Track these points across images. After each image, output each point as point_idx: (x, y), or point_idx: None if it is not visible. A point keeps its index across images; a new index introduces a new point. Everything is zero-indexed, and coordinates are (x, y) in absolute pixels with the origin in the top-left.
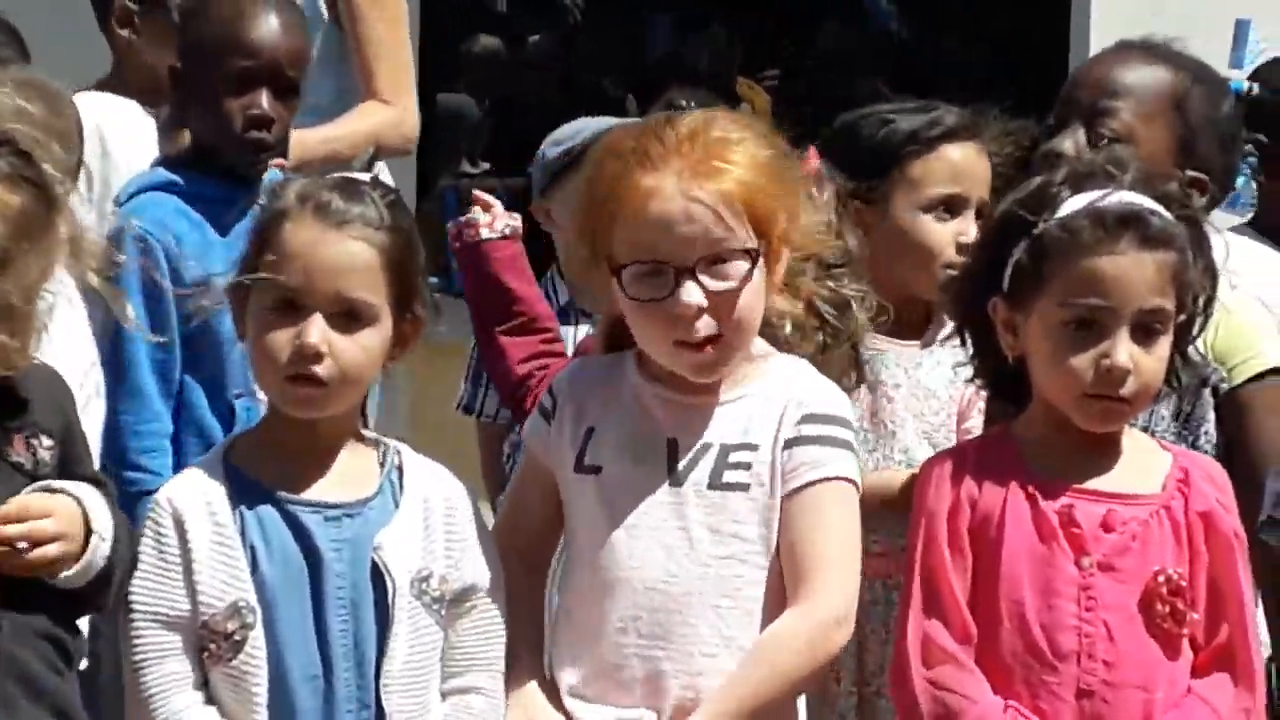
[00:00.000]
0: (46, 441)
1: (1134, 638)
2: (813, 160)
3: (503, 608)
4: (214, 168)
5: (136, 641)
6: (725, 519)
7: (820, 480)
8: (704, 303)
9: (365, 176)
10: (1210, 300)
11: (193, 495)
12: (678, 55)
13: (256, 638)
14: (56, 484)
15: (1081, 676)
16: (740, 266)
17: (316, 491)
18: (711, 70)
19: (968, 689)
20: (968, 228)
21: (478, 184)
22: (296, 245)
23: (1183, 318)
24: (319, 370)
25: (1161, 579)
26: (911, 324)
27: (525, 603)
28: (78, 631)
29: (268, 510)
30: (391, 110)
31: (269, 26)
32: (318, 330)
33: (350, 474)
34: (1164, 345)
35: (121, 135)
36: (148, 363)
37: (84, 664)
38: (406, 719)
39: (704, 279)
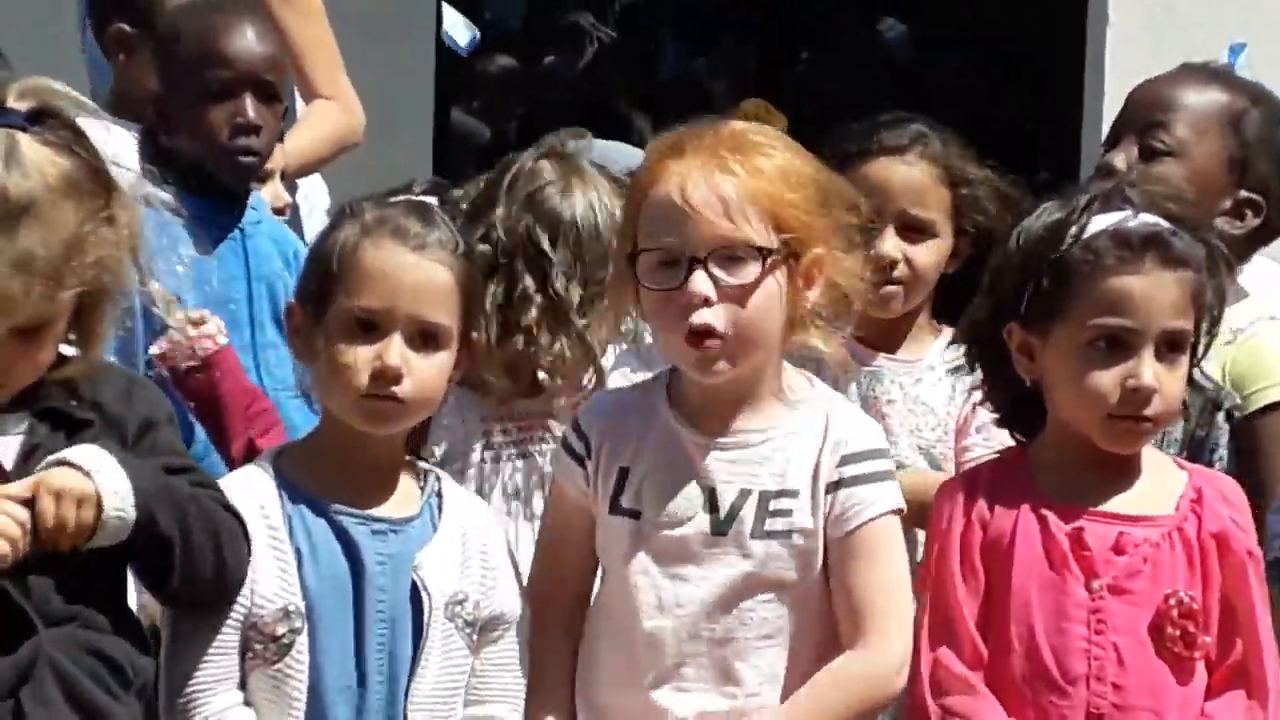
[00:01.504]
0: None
1: (1144, 661)
2: None
3: (525, 642)
4: (200, 186)
5: (179, 635)
6: (769, 566)
7: (870, 520)
8: (711, 294)
9: (433, 200)
10: (1216, 321)
11: (245, 495)
12: (690, 76)
13: (302, 643)
14: (64, 454)
15: (1091, 700)
16: (755, 266)
17: (364, 505)
18: (725, 91)
19: (980, 715)
20: (885, 243)
21: None
22: (377, 267)
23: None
24: (398, 390)
25: (1173, 602)
26: (897, 333)
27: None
28: (143, 649)
29: (315, 518)
30: (338, 103)
31: (243, 36)
32: (398, 352)
33: (393, 493)
34: (1184, 365)
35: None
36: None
37: None
38: None
39: (715, 271)
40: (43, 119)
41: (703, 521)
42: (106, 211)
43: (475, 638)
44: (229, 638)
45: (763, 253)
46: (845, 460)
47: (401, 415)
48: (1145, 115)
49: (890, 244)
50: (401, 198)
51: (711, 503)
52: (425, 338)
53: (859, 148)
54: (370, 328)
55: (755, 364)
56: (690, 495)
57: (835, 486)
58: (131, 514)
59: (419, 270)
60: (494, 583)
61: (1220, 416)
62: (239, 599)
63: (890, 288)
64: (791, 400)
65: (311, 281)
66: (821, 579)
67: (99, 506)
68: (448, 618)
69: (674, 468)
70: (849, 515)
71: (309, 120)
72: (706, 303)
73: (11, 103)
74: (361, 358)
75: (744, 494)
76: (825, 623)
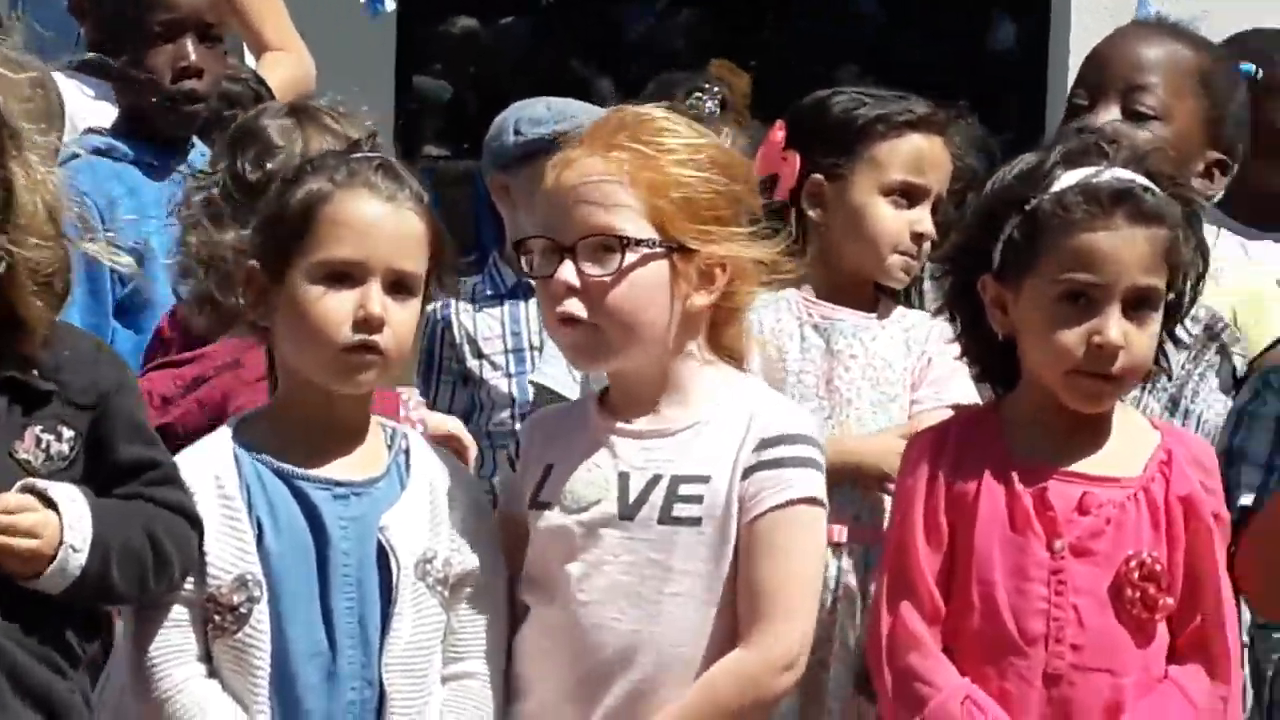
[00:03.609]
0: (67, 433)
1: (1103, 622)
2: (778, 134)
3: (502, 594)
4: (144, 132)
5: (140, 612)
6: (674, 555)
7: (784, 504)
8: (575, 283)
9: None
10: (1200, 278)
11: (199, 469)
12: (653, 37)
13: (261, 611)
14: (40, 484)
15: (1050, 660)
16: (617, 257)
17: (325, 469)
18: (688, 53)
19: (932, 675)
20: (923, 218)
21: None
22: (353, 218)
23: (1172, 296)
24: (379, 339)
25: (1134, 564)
26: (866, 297)
27: None
28: (95, 634)
29: (276, 485)
30: (291, 55)
31: None
32: (378, 299)
33: (358, 454)
34: (1155, 322)
35: (89, 108)
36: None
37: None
38: (407, 698)
39: (583, 261)
40: None
41: (610, 505)
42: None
43: (447, 594)
44: (182, 612)
45: (626, 242)
46: (762, 444)
47: (378, 369)
48: (1126, 77)
49: (916, 213)
50: (360, 154)
51: (623, 488)
52: (398, 287)
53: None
54: (344, 279)
55: (645, 355)
56: (601, 480)
57: (751, 470)
58: (76, 570)
59: (394, 219)
60: (464, 538)
61: (1213, 348)
62: (190, 575)
63: (913, 261)
64: (716, 391)
65: (272, 238)
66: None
67: (53, 558)
68: (418, 577)
69: (589, 455)
70: (760, 498)
71: (262, 71)
72: (570, 291)
73: None
74: (341, 308)
75: (655, 479)
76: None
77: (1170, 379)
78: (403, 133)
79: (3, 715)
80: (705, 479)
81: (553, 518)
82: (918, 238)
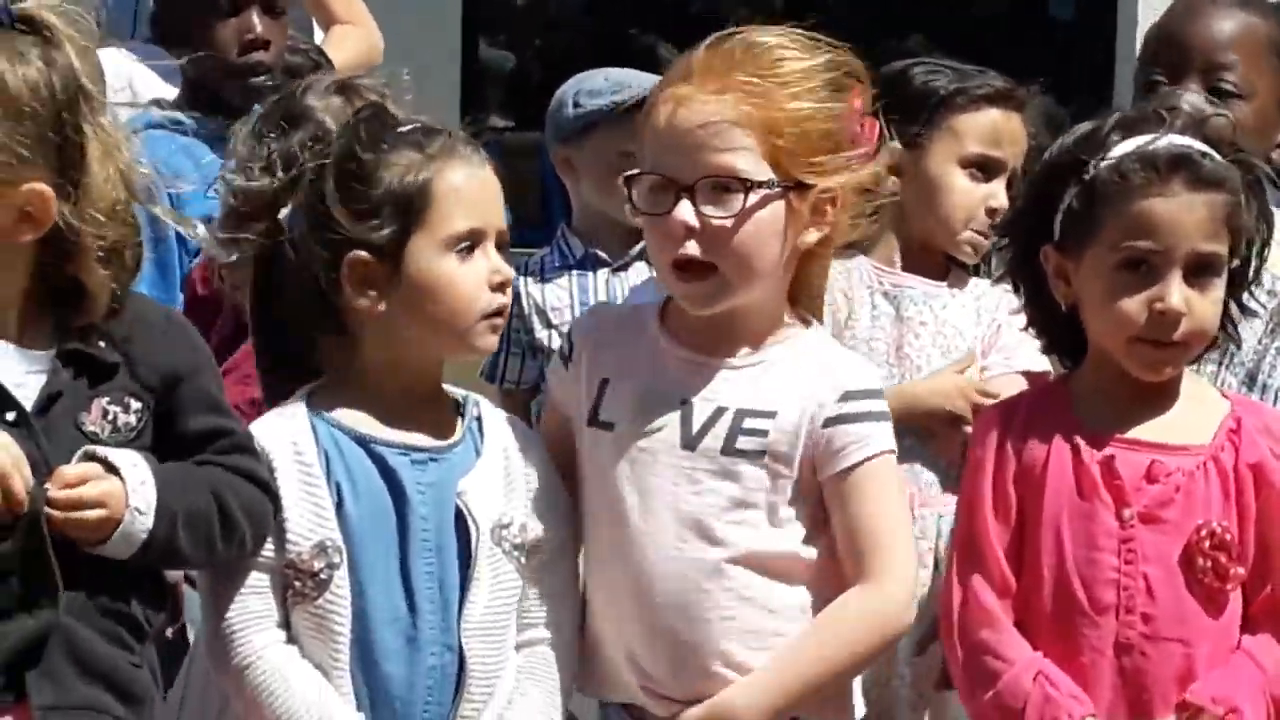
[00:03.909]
0: (134, 405)
1: (1174, 592)
2: (856, 100)
3: (574, 564)
4: (209, 105)
5: (217, 578)
6: (736, 485)
7: (871, 457)
8: (694, 223)
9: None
10: (1266, 245)
11: (277, 435)
12: (717, 6)
13: (341, 577)
14: (101, 452)
15: (1120, 630)
16: (740, 198)
17: (402, 435)
18: (751, 21)
19: (1004, 650)
20: (999, 192)
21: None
22: (468, 187)
23: (1236, 263)
24: (506, 300)
25: (1204, 533)
26: (938, 265)
27: None
28: (160, 605)
29: (354, 451)
30: (358, 28)
31: None
32: (501, 261)
33: (433, 421)
34: (1218, 289)
35: (154, 84)
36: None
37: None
38: (486, 663)
39: (702, 201)
40: (33, 25)
41: (673, 434)
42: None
43: (524, 560)
44: (262, 579)
45: (749, 185)
46: (847, 396)
47: (501, 324)
48: (1205, 56)
49: (992, 187)
50: (412, 122)
51: (685, 416)
52: (500, 246)
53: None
54: (470, 248)
55: (759, 294)
56: (664, 407)
57: (834, 421)
58: (143, 533)
59: (493, 182)
60: (539, 504)
61: None
62: (269, 541)
63: (983, 239)
64: (788, 334)
65: (385, 223)
66: (804, 510)
67: (119, 523)
68: (495, 542)
69: (652, 380)
70: (847, 451)
71: (331, 45)
72: (690, 232)
73: (15, 5)
74: (478, 275)
75: (720, 410)
76: (819, 556)
77: (1240, 348)
78: (468, 104)
79: (66, 692)
80: (771, 414)
81: (611, 439)
82: (991, 213)
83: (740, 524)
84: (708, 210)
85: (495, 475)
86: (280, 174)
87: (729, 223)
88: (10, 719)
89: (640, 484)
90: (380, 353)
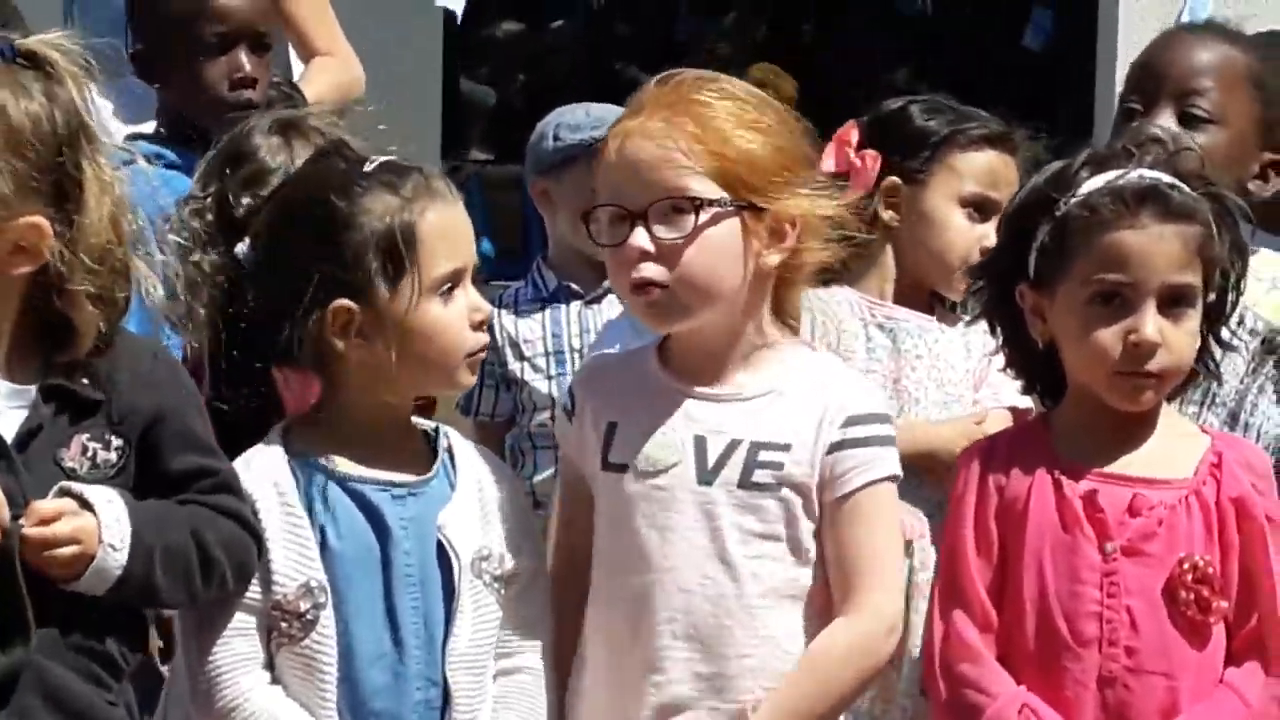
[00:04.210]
0: (115, 442)
1: (1158, 625)
2: (851, 133)
3: (546, 589)
4: (192, 139)
5: (200, 620)
6: (755, 519)
7: (874, 481)
8: (649, 247)
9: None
10: (1240, 277)
11: (258, 477)
12: (701, 41)
13: (328, 617)
14: (76, 488)
15: (1104, 664)
16: (691, 218)
17: (379, 472)
18: (735, 57)
19: (987, 684)
20: (991, 233)
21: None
22: (450, 227)
23: (1212, 296)
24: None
25: (1186, 566)
26: (922, 301)
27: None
28: (137, 645)
29: (334, 489)
30: (338, 60)
31: None
32: (477, 295)
33: (409, 454)
34: (1193, 320)
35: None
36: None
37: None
38: (469, 695)
39: (655, 225)
40: (35, 60)
41: (689, 469)
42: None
43: (503, 591)
44: (247, 620)
45: (699, 204)
46: (850, 421)
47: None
48: (1180, 83)
49: (987, 228)
50: (378, 160)
51: (700, 452)
52: (473, 279)
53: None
54: (451, 287)
55: (717, 316)
56: (677, 443)
57: (837, 447)
58: (117, 569)
59: (464, 215)
60: (513, 535)
61: (1271, 361)
62: (254, 582)
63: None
64: (787, 359)
65: (364, 275)
66: (813, 538)
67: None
68: (475, 575)
69: (661, 418)
70: (848, 477)
71: (310, 78)
72: (645, 255)
73: (17, 40)
74: (460, 315)
75: (734, 443)
76: (824, 584)
77: (1220, 383)
78: (449, 137)
79: None
80: (786, 447)
81: (626, 482)
82: (985, 253)
83: (761, 557)
84: (660, 232)
85: (471, 507)
86: (234, 209)
87: (681, 241)
88: None
89: (659, 522)
90: (362, 394)
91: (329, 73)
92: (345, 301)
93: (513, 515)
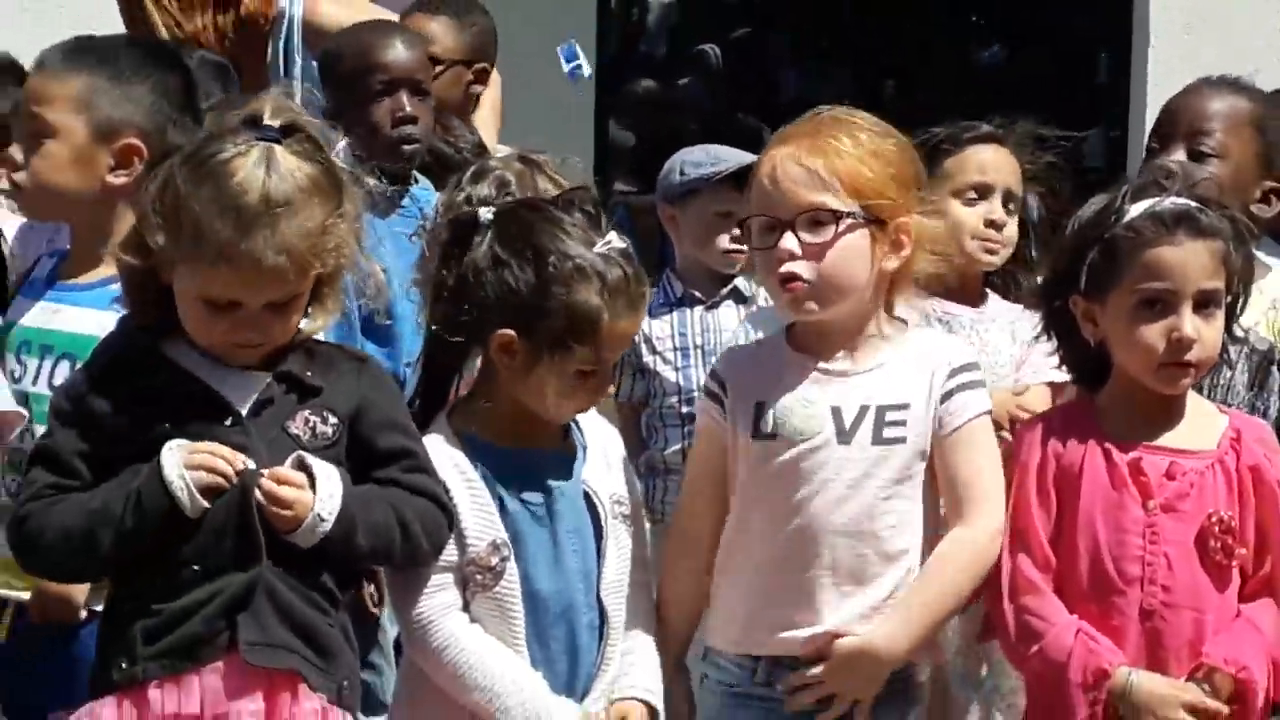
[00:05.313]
0: (332, 420)
1: (1190, 568)
2: None
3: (644, 529)
4: (370, 170)
5: (410, 581)
6: (888, 467)
7: (978, 415)
8: (797, 250)
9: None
10: (1248, 283)
11: (441, 458)
12: (805, 94)
13: (512, 568)
14: (309, 459)
15: (1144, 599)
16: (832, 227)
17: (534, 440)
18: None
19: (1047, 612)
20: (994, 208)
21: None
22: (618, 335)
23: (1229, 298)
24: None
25: (1214, 519)
26: (970, 292)
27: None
28: (347, 583)
29: (502, 461)
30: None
31: (394, 46)
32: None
33: (544, 424)
34: (1220, 318)
35: None
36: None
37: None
38: (618, 613)
39: (802, 233)
40: (291, 132)
41: (829, 434)
42: (340, 208)
43: (630, 528)
44: (445, 577)
45: (838, 215)
46: (954, 372)
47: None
48: (1190, 124)
49: (986, 205)
50: (604, 246)
51: (837, 418)
52: None
53: (967, 135)
54: (579, 370)
55: (847, 308)
56: (819, 413)
57: (948, 396)
58: (321, 534)
59: (637, 324)
60: (625, 477)
61: (1274, 368)
62: (450, 545)
63: (992, 244)
64: (897, 339)
65: (543, 327)
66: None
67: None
68: (614, 516)
69: (801, 392)
70: (955, 415)
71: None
72: (792, 257)
73: (267, 120)
74: (574, 376)
75: (864, 409)
76: (935, 511)
77: (1231, 369)
78: (600, 174)
79: (269, 633)
80: (905, 405)
81: (779, 449)
82: (989, 224)
83: (892, 498)
84: (805, 237)
85: (601, 462)
86: (477, 204)
87: (822, 245)
88: (223, 665)
89: (809, 478)
90: (509, 389)
91: (489, 129)
92: (509, 333)
93: (620, 461)
